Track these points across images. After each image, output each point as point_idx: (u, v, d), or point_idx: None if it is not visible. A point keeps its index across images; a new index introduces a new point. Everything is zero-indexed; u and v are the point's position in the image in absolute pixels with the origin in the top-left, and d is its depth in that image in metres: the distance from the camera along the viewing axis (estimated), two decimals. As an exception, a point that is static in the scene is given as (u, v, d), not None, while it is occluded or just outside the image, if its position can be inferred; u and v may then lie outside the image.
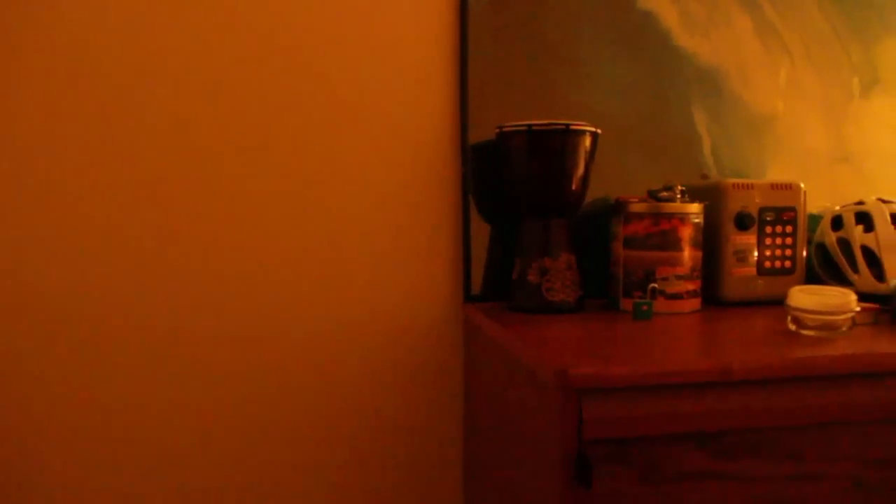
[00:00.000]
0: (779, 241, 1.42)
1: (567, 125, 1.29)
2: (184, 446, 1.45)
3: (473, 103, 1.49)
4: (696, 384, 0.98)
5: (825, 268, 1.47)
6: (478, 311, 1.37)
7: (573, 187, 1.31)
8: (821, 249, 1.48)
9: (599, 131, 1.37)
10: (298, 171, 1.45)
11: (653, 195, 1.33)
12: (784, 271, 1.43)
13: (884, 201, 1.45)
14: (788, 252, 1.43)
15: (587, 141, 1.31)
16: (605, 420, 0.96)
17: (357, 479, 1.52)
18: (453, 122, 1.51)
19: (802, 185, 1.43)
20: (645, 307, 1.25)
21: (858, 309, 1.16)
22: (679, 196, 1.33)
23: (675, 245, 1.31)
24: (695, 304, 1.34)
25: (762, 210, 1.41)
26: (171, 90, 1.40)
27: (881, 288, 1.36)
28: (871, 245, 1.40)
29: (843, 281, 1.42)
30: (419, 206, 1.50)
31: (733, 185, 1.40)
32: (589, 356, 0.99)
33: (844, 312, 1.12)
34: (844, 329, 1.14)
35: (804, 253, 1.45)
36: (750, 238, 1.40)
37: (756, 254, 1.41)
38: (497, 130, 1.35)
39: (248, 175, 1.44)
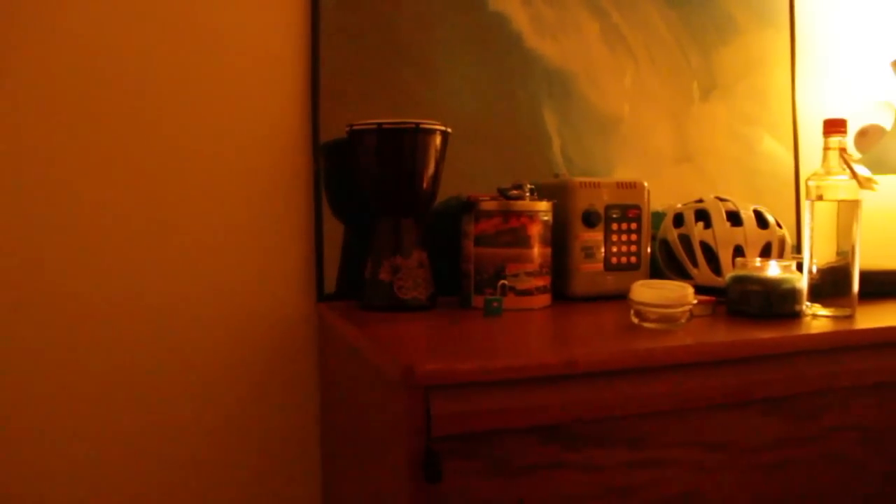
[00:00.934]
0: (624, 237, 1.47)
1: (417, 124, 1.29)
2: (13, 447, 1.37)
3: (326, 102, 1.48)
4: (542, 377, 0.99)
5: (668, 263, 1.53)
6: (331, 311, 1.36)
7: (424, 186, 1.32)
8: (664, 245, 1.53)
9: (450, 130, 1.38)
10: (142, 172, 1.40)
11: (503, 193, 1.35)
12: (630, 266, 1.47)
13: (721, 199, 1.53)
14: (634, 248, 1.48)
15: (437, 140, 1.32)
16: (453, 416, 0.96)
17: (211, 483, 1.47)
18: (305, 120, 1.49)
19: (646, 184, 1.49)
20: (495, 304, 1.27)
21: (695, 301, 1.21)
22: (528, 194, 1.35)
23: (525, 242, 1.33)
24: (545, 299, 1.37)
25: (609, 208, 1.45)
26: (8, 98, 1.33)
27: (718, 281, 1.43)
28: (710, 241, 1.46)
29: (684, 275, 1.48)
30: (270, 205, 1.47)
31: (581, 183, 1.43)
32: (437, 353, 0.99)
33: (682, 305, 1.17)
34: (683, 321, 1.18)
35: (649, 249, 1.50)
36: (597, 235, 1.44)
37: (603, 250, 1.45)
38: (348, 129, 1.34)
39: (87, 175, 1.37)
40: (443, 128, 1.33)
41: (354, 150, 1.33)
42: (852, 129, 1.82)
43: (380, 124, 1.29)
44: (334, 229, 1.49)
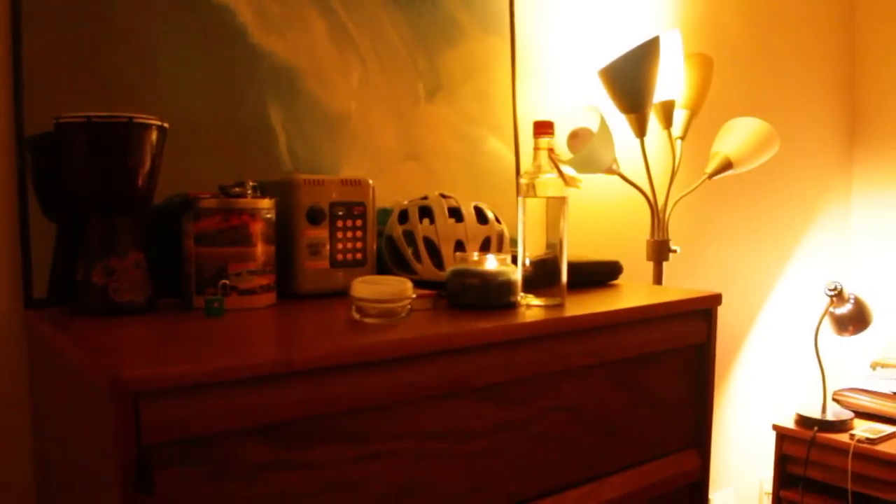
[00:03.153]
0: (350, 234, 1.48)
1: (130, 118, 1.23)
2: None
3: (32, 92, 1.37)
4: (259, 377, 0.98)
5: (394, 259, 1.56)
6: (40, 318, 1.26)
7: (139, 184, 1.26)
8: (390, 241, 1.57)
9: (167, 125, 1.33)
10: None
11: (223, 191, 1.32)
12: (356, 263, 1.49)
13: (444, 197, 1.58)
14: (360, 245, 1.49)
15: (153, 135, 1.27)
16: (167, 422, 0.92)
17: None
18: (6, 111, 1.37)
19: (371, 181, 1.51)
20: (216, 304, 1.23)
21: (415, 296, 1.25)
22: (251, 192, 1.33)
23: (247, 240, 1.31)
24: (269, 298, 1.35)
25: (333, 205, 1.46)
26: None
27: (441, 275, 1.48)
28: (432, 236, 1.51)
29: (409, 270, 1.52)
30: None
31: (305, 180, 1.43)
32: (149, 357, 0.95)
33: (402, 300, 1.20)
34: (403, 315, 1.21)
35: (375, 245, 1.53)
36: (322, 232, 1.45)
37: (329, 247, 1.46)
38: (54, 122, 1.25)
39: None
40: (159, 122, 1.27)
41: (62, 144, 1.25)
42: (566, 131, 1.96)
43: (89, 117, 1.21)
44: (46, 230, 1.38)
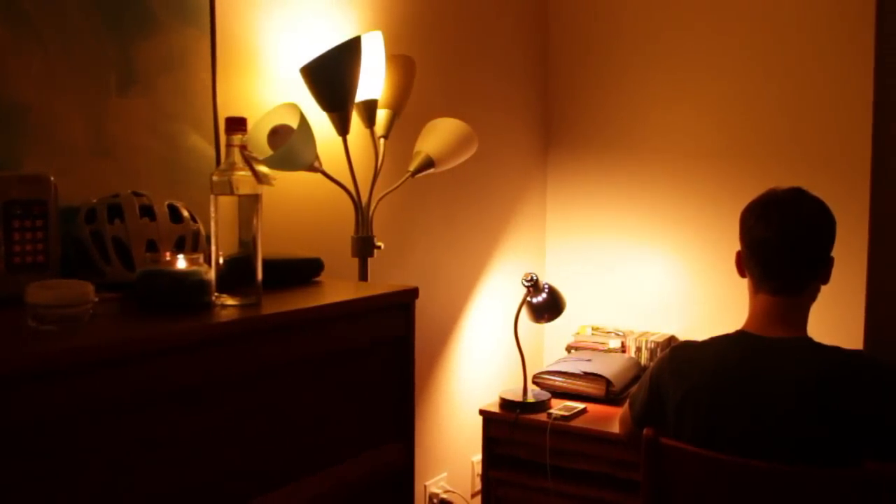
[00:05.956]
0: (30, 235, 1.38)
1: None
2: None
3: None
4: None
5: (81, 261, 1.47)
6: None
7: None
8: (76, 243, 1.48)
9: None
10: None
11: None
12: (37, 267, 1.39)
13: (137, 195, 1.52)
14: (40, 247, 1.40)
15: None
16: None
17: None
18: None
19: (52, 178, 1.41)
20: None
21: (96, 299, 1.19)
22: None
23: None
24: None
25: (10, 203, 1.35)
26: None
27: (131, 277, 1.42)
28: (122, 236, 1.45)
29: (97, 273, 1.44)
30: None
31: (-28, 178, 1.31)
32: None
33: (82, 304, 1.14)
34: (86, 320, 1.15)
35: (59, 247, 1.43)
36: (-6, 234, 1.34)
37: (3, 249, 1.35)
38: None
39: None
40: None
41: None
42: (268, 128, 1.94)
43: None
44: None
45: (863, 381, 1.64)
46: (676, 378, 1.79)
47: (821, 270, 1.79)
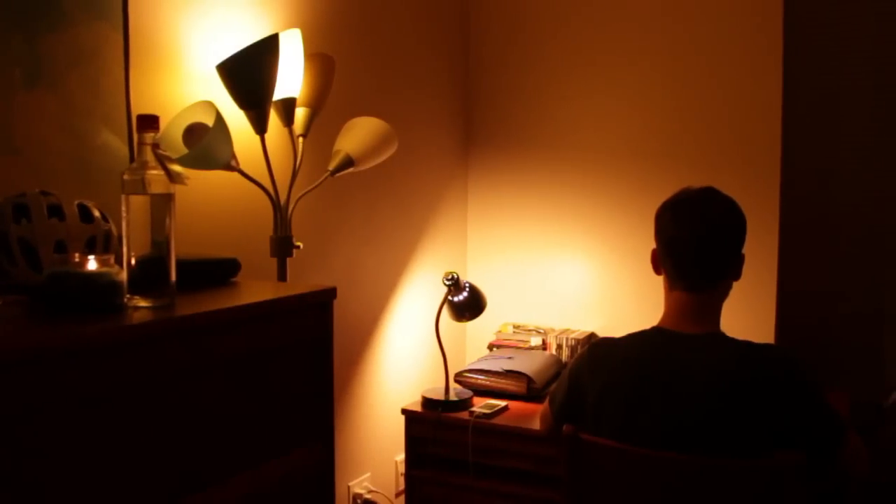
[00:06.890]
0: (-72, 236, 1.32)
1: None
2: None
3: None
4: None
5: (-17, 263, 1.42)
6: None
7: None
8: (-21, 244, 1.42)
9: None
10: None
11: None
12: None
13: (45, 194, 1.47)
14: (-60, 248, 1.34)
15: None
16: None
17: None
18: None
19: (-47, 177, 1.36)
20: None
21: (0, 301, 1.14)
22: None
23: None
24: None
25: None
26: None
27: (38, 279, 1.37)
28: (29, 237, 1.40)
29: (1, 274, 1.39)
30: None
31: None
32: None
33: (-17, 306, 1.09)
34: (-13, 324, 1.11)
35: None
36: None
37: None
38: None
39: None
40: None
41: None
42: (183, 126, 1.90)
43: None
44: None
45: (772, 374, 1.69)
46: (595, 374, 1.82)
47: (731, 268, 1.84)
